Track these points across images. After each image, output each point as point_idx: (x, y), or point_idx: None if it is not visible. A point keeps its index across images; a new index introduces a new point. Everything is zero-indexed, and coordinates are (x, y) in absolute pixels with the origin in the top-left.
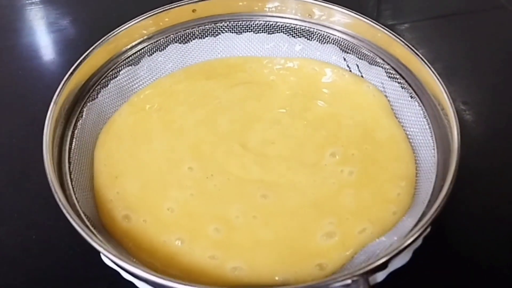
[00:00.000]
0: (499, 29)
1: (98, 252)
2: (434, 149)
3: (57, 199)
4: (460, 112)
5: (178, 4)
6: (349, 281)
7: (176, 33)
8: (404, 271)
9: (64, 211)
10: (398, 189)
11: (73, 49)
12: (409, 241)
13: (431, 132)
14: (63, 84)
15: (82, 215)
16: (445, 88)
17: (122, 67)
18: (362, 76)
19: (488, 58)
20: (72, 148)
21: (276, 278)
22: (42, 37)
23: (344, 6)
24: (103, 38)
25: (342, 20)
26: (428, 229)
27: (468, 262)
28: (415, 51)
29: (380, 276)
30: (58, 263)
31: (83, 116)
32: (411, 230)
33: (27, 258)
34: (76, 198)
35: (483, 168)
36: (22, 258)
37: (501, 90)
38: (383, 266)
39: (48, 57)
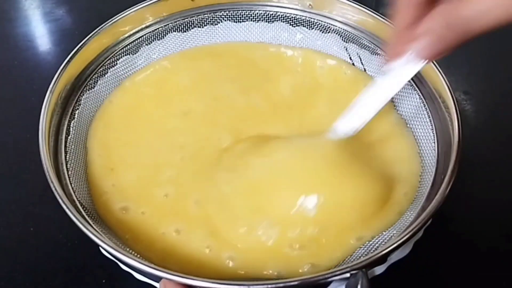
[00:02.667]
0: None
1: (97, 243)
2: (434, 142)
3: (53, 189)
4: (460, 102)
5: None
6: (347, 275)
7: (174, 21)
8: (405, 263)
9: (60, 200)
10: (404, 189)
11: (69, 39)
12: (408, 235)
13: (432, 126)
14: (60, 72)
15: (78, 204)
16: (445, 79)
17: (120, 56)
18: (364, 68)
19: (488, 47)
20: (69, 138)
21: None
22: (38, 27)
23: None
24: (100, 26)
25: (342, 10)
26: (429, 222)
27: (469, 252)
28: None
29: (380, 269)
30: (57, 254)
31: (81, 105)
32: (411, 223)
33: (25, 250)
34: (72, 188)
35: (483, 158)
36: (20, 250)
37: (502, 79)
38: (382, 260)
39: (44, 47)
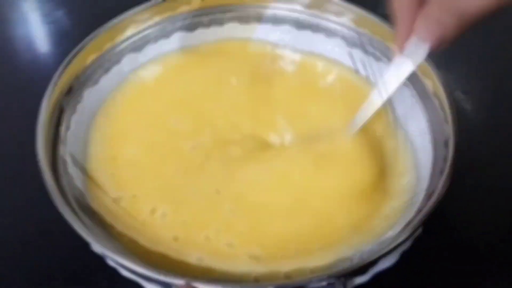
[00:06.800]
0: (499, 16)
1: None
2: (431, 151)
3: (45, 180)
4: (460, 101)
5: None
6: (324, 283)
7: (182, 21)
8: (391, 272)
9: (51, 191)
10: (395, 202)
11: (68, 40)
12: (390, 248)
13: (430, 134)
14: (64, 66)
15: (71, 197)
16: (442, 81)
17: (125, 52)
18: (367, 73)
19: (488, 46)
20: (69, 132)
21: None
22: (37, 28)
23: None
24: (108, 22)
25: (349, 16)
26: (419, 231)
27: (463, 257)
28: None
29: (361, 279)
30: (58, 256)
31: (83, 100)
32: (398, 233)
33: (27, 252)
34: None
35: (482, 158)
36: (22, 253)
37: (501, 78)
38: (361, 271)
39: (43, 48)
